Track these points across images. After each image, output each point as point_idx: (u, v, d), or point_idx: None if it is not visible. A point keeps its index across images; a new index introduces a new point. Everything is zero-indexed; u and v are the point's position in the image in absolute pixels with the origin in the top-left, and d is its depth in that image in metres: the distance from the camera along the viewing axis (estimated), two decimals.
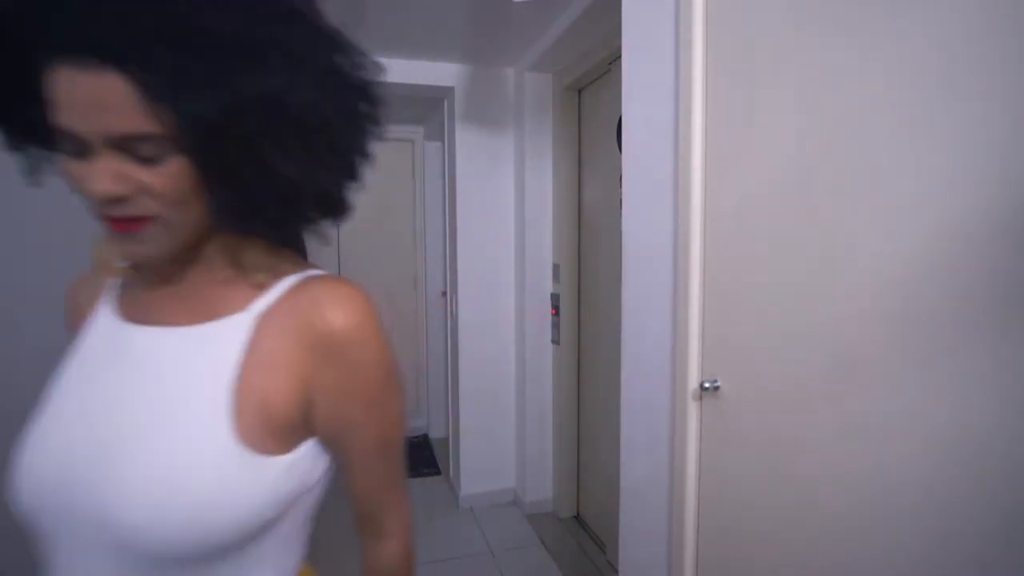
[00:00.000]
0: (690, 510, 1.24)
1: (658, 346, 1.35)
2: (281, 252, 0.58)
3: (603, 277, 2.35)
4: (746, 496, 1.09)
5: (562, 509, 2.73)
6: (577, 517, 2.73)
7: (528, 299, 2.70)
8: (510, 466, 2.91)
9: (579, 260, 2.64)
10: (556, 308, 2.67)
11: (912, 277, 0.76)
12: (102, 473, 0.46)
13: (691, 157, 1.17)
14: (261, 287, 0.54)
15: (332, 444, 0.55)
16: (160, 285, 0.54)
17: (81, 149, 0.43)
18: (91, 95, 0.41)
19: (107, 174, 0.43)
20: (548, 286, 2.72)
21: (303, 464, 0.52)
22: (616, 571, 1.99)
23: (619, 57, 1.53)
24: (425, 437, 3.84)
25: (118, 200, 0.44)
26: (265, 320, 0.52)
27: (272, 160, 0.46)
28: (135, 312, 0.55)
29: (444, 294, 3.37)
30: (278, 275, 0.55)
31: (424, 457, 3.51)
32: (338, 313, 0.51)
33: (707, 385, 1.15)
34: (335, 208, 0.55)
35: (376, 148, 0.55)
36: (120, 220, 0.46)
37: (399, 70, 2.58)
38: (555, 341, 2.70)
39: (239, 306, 0.53)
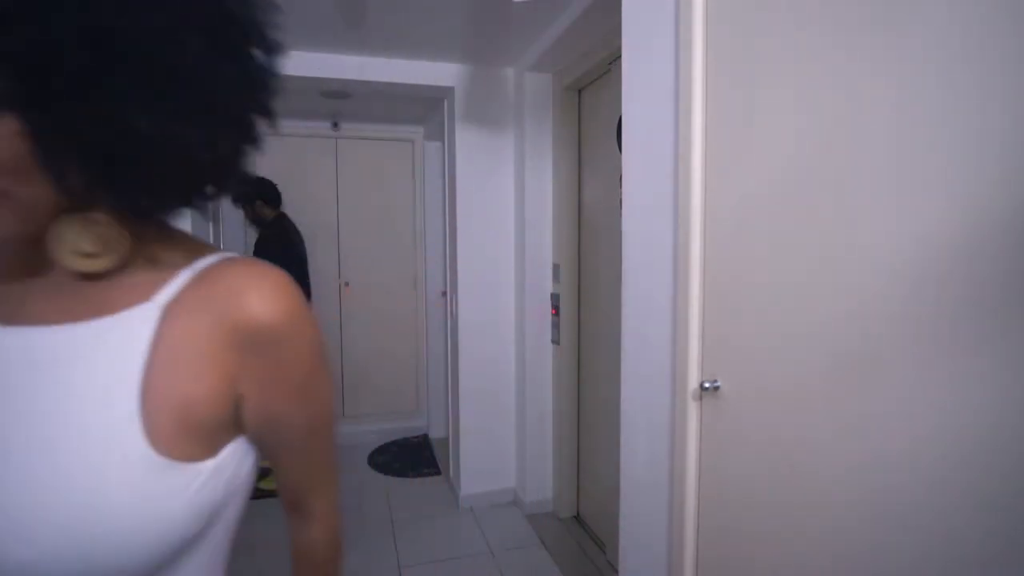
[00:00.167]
0: (690, 510, 1.24)
1: (658, 346, 1.35)
2: (176, 232, 0.50)
3: (603, 277, 2.36)
4: (746, 496, 1.09)
5: (562, 509, 2.73)
6: (577, 517, 2.73)
7: (528, 299, 2.71)
8: (510, 466, 2.91)
9: (579, 260, 2.64)
10: (556, 308, 2.67)
11: (912, 277, 0.76)
12: None
13: (691, 157, 1.18)
14: (164, 273, 0.47)
15: (261, 438, 0.51)
16: (33, 276, 0.45)
17: None
18: None
19: None
20: (548, 286, 2.72)
21: (229, 466, 0.47)
22: (616, 571, 2.00)
23: (619, 57, 1.53)
24: (425, 437, 3.84)
25: None
26: (173, 311, 0.45)
27: (116, 112, 0.38)
28: (3, 311, 0.45)
29: (444, 294, 3.37)
30: (186, 259, 0.48)
31: (424, 457, 3.51)
32: (266, 303, 0.46)
33: (707, 385, 1.15)
34: (220, 176, 0.47)
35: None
36: None
37: (399, 70, 2.58)
38: (555, 341, 2.70)
39: (140, 296, 0.45)
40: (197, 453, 0.44)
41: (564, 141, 2.60)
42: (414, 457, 3.51)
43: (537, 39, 2.38)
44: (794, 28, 0.94)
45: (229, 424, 0.47)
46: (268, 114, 0.48)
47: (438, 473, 3.27)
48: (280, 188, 3.19)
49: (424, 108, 3.33)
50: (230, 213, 3.36)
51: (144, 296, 0.45)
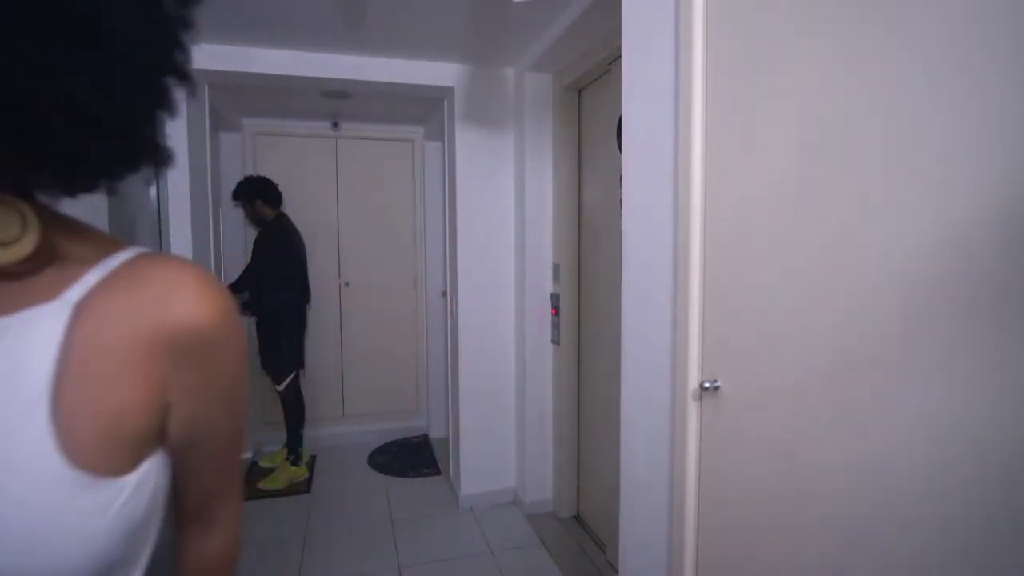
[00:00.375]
0: (690, 510, 1.24)
1: (658, 346, 1.35)
2: (83, 225, 0.45)
3: (603, 277, 2.36)
4: (746, 496, 1.09)
5: (562, 509, 2.73)
6: (577, 517, 2.73)
7: (528, 299, 2.71)
8: (510, 466, 2.91)
9: (579, 260, 2.64)
10: (556, 308, 2.67)
11: (912, 276, 0.76)
12: None
13: (691, 157, 1.18)
14: (72, 269, 0.42)
15: (183, 448, 0.47)
16: None
17: None
18: None
19: None
20: (548, 286, 2.72)
21: (151, 480, 0.43)
22: (616, 571, 2.00)
23: (619, 57, 1.53)
24: (425, 437, 3.85)
25: None
26: (86, 311, 0.40)
27: None
28: None
29: (444, 294, 3.37)
30: (97, 253, 0.43)
31: (424, 457, 3.51)
32: (199, 307, 0.43)
33: (707, 385, 1.15)
34: (123, 137, 0.41)
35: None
36: None
37: (399, 70, 2.59)
38: (555, 341, 2.70)
39: (44, 294, 0.40)
40: (121, 466, 0.40)
41: (564, 141, 2.60)
42: (414, 457, 3.51)
43: (537, 39, 2.38)
44: (794, 28, 0.94)
45: (153, 435, 0.44)
46: (178, 72, 0.42)
47: (438, 473, 3.27)
48: (280, 188, 3.20)
49: (424, 108, 3.33)
50: (230, 213, 3.36)
51: (51, 294, 0.40)
